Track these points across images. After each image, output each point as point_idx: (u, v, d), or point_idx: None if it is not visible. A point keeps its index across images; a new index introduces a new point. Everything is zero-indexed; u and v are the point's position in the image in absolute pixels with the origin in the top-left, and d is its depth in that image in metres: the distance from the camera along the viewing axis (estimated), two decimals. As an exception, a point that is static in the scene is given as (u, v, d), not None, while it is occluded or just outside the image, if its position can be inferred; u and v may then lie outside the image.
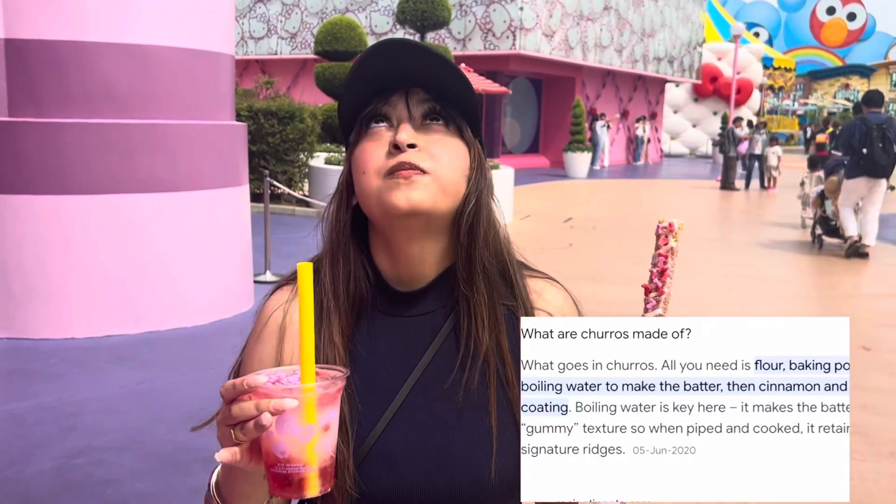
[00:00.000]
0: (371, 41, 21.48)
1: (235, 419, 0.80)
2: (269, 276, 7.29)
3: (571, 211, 14.05)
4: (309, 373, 0.83)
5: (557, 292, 1.12)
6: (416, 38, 15.12)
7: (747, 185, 19.87)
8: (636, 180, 22.47)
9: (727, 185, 19.39)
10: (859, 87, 48.53)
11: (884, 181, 9.56)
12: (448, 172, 1.01)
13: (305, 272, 0.84)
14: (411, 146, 0.99)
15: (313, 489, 0.82)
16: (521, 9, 21.76)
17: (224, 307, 5.96)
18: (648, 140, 29.87)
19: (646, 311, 0.88)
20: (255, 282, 6.75)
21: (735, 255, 10.20)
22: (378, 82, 1.02)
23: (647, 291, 0.88)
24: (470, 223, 1.03)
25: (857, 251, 9.63)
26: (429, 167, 0.99)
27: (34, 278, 5.29)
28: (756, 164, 19.88)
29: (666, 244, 0.89)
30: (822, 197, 10.47)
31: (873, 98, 9.68)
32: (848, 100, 45.71)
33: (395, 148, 0.99)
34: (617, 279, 7.88)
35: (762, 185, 19.68)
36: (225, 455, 0.82)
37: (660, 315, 0.89)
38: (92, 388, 4.47)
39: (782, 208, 15.44)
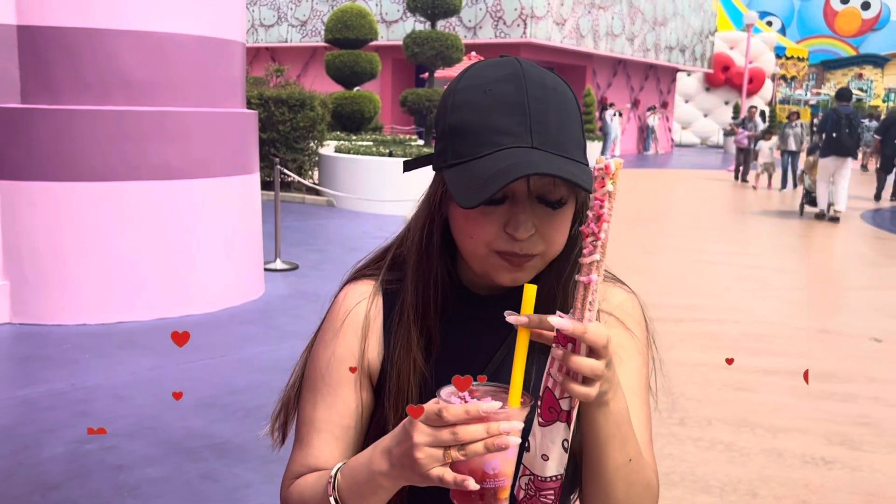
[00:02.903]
0: (382, 29, 21.39)
1: (459, 441, 0.83)
2: (279, 264, 7.30)
3: (581, 200, 13.96)
4: (517, 393, 0.87)
5: (619, 292, 1.14)
6: (427, 26, 15.04)
7: (783, 184, 17.09)
8: (646, 170, 22.36)
9: (736, 176, 19.27)
10: (872, 76, 48.07)
11: (849, 159, 12.10)
12: (557, 249, 1.01)
13: (530, 293, 0.87)
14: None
15: (505, 498, 0.88)
16: (533, -3, 21.65)
17: (234, 294, 5.99)
18: (654, 129, 29.68)
19: (583, 255, 0.86)
20: (266, 269, 6.77)
21: (741, 244, 10.15)
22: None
23: (585, 236, 0.87)
24: (560, 270, 1.04)
25: (831, 218, 12.25)
26: (540, 251, 0.99)
27: (47, 264, 5.32)
28: (790, 161, 17.04)
29: (602, 187, 0.87)
30: (803, 173, 12.95)
31: (843, 94, 12.54)
32: (861, 90, 45.27)
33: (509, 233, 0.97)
34: (628, 269, 7.77)
35: (786, 185, 17.01)
36: (459, 478, 0.83)
37: (598, 261, 0.86)
38: (104, 373, 4.50)
39: (783, 199, 15.34)
